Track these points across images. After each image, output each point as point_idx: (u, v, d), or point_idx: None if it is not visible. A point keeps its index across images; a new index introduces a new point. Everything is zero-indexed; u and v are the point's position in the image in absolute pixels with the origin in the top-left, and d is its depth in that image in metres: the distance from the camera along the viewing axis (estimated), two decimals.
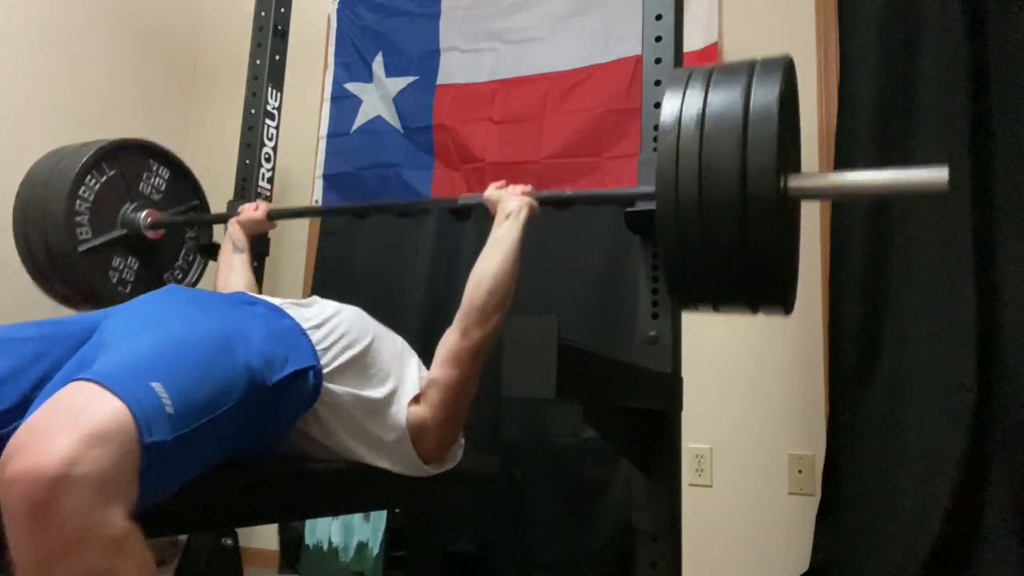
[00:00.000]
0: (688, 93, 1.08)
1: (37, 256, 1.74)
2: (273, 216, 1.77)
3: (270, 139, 2.13)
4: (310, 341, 1.07)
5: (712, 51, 2.22)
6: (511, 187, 1.46)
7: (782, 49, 2.33)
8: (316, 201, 2.72)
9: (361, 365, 1.14)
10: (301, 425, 1.08)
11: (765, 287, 1.05)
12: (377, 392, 1.13)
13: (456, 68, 2.56)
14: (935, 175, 1.04)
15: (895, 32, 1.94)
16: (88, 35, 2.66)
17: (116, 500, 0.64)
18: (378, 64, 2.69)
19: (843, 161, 1.97)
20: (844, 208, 1.96)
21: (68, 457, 0.61)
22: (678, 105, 1.07)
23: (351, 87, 2.75)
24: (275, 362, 0.95)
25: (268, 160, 2.12)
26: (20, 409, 0.86)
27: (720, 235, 1.00)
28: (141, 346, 0.82)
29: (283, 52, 2.18)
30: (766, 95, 1.02)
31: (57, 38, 2.56)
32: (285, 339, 1.03)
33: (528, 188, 1.46)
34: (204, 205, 2.05)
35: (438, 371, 1.18)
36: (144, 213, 1.85)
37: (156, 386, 0.73)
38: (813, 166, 2.07)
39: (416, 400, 1.18)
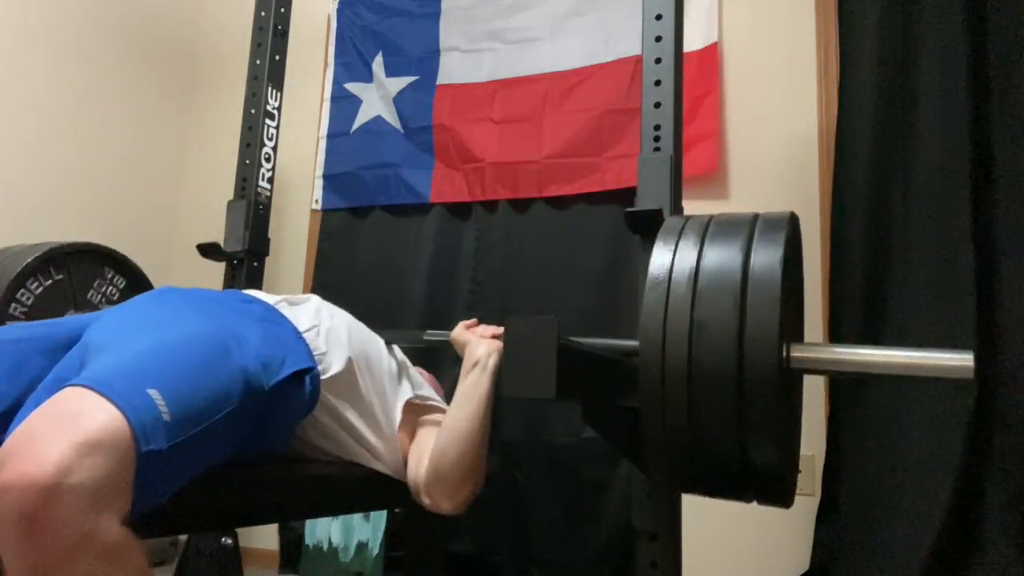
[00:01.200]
0: (681, 245, 0.96)
1: None
2: None
3: (270, 139, 2.13)
4: (307, 345, 1.06)
5: (712, 51, 2.22)
6: (481, 328, 1.34)
7: (781, 47, 2.33)
8: (316, 201, 2.72)
9: (354, 372, 1.13)
10: (300, 432, 1.08)
11: (765, 478, 0.91)
12: (370, 398, 1.13)
13: (456, 68, 2.56)
14: (959, 361, 0.89)
15: (895, 31, 1.94)
16: (88, 34, 2.66)
17: (110, 508, 0.63)
18: (378, 64, 2.69)
19: (843, 161, 1.97)
20: (845, 207, 1.96)
21: (62, 465, 0.60)
22: (668, 259, 0.95)
23: (351, 87, 2.75)
24: (272, 365, 0.94)
25: (268, 160, 2.12)
26: (8, 415, 0.84)
27: (712, 408, 0.86)
28: (137, 350, 0.80)
29: (283, 52, 2.18)
30: (769, 255, 0.89)
31: (57, 38, 2.56)
32: (282, 342, 1.02)
33: (500, 331, 1.31)
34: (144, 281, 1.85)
35: (423, 488, 1.13)
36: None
37: (153, 393, 0.71)
38: (813, 166, 2.07)
39: (405, 426, 1.17)
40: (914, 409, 1.78)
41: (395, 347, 1.30)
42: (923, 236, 1.85)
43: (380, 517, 2.35)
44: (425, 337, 1.47)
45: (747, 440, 0.86)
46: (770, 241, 0.91)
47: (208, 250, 2.03)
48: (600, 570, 2.07)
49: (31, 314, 1.57)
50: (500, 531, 2.19)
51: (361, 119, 2.71)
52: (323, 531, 2.41)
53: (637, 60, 2.17)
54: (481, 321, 1.37)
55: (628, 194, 2.13)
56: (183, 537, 1.91)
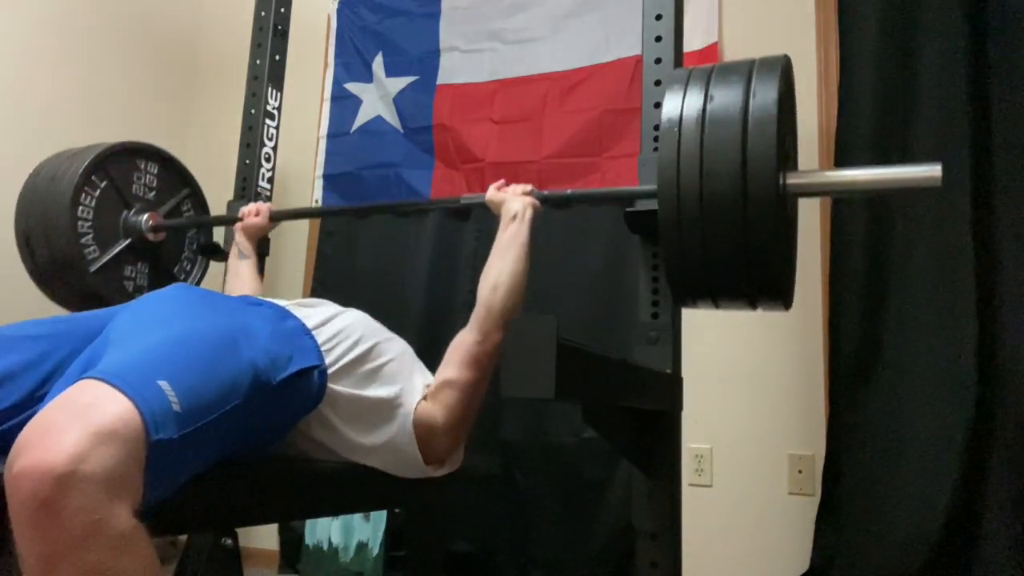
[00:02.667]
0: (688, 93, 1.10)
1: (50, 279, 1.77)
2: (275, 217, 1.79)
3: (270, 139, 2.13)
4: (315, 341, 1.08)
5: (712, 51, 2.22)
6: (512, 187, 1.46)
7: (782, 49, 2.34)
8: (316, 201, 2.72)
9: (366, 366, 1.14)
10: (304, 427, 1.08)
11: (764, 282, 1.08)
12: (381, 392, 1.13)
13: (456, 68, 2.56)
14: (928, 171, 1.08)
15: (895, 32, 1.94)
16: (89, 35, 2.66)
17: (122, 497, 0.65)
18: (378, 64, 2.69)
19: (843, 160, 1.97)
20: (845, 207, 1.96)
21: (75, 454, 0.62)
22: (679, 105, 1.09)
23: (351, 87, 2.75)
24: (280, 361, 0.95)
25: (268, 160, 2.12)
26: (29, 403, 0.87)
27: (720, 232, 1.03)
28: (148, 344, 0.82)
29: (283, 52, 2.18)
30: (765, 95, 1.04)
31: (57, 37, 2.56)
32: (290, 338, 1.04)
33: (529, 188, 1.46)
34: (196, 191, 2.05)
35: (455, 372, 1.19)
36: (144, 217, 1.86)
37: (163, 384, 0.73)
38: (813, 164, 2.07)
39: (422, 404, 1.17)
40: (914, 409, 1.78)
41: (410, 348, 1.30)
42: (923, 232, 1.85)
43: (380, 517, 2.34)
44: (462, 200, 1.60)
45: (750, 252, 1.02)
46: (766, 82, 1.06)
47: (208, 250, 2.03)
48: (600, 570, 2.07)
49: (96, 225, 1.76)
50: (500, 531, 2.19)
51: (361, 119, 2.71)
52: (323, 531, 2.40)
53: (637, 60, 2.17)
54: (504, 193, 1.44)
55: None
56: (183, 537, 1.91)
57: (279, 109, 2.16)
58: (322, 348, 1.08)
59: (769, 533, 1.97)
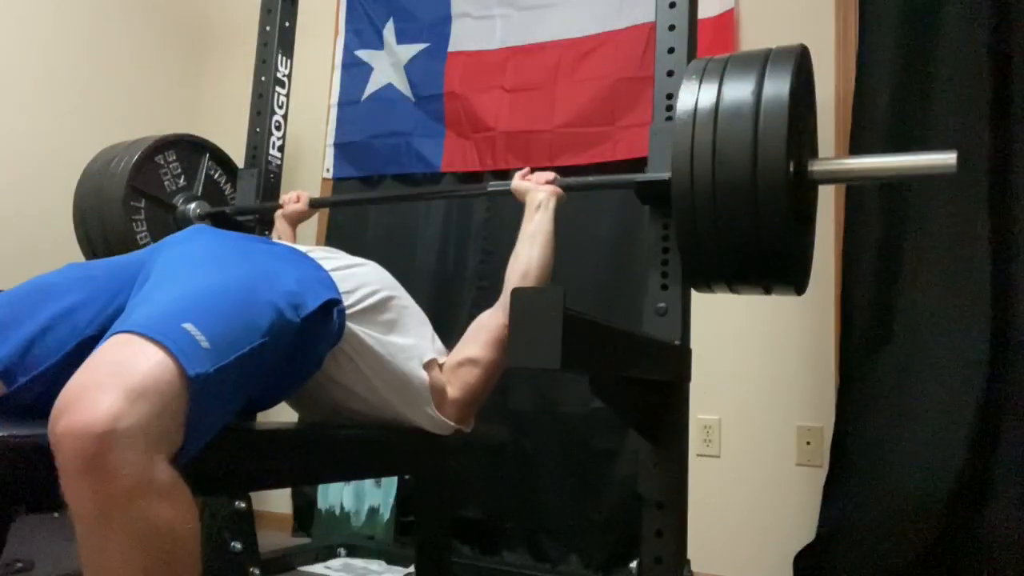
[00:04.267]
0: (703, 85, 1.13)
1: None
2: (314, 204, 1.85)
3: (280, 107, 2.12)
4: (332, 280, 1.10)
5: (728, 18, 2.18)
6: (536, 175, 1.51)
7: (799, 16, 2.28)
8: (327, 170, 2.71)
9: (383, 312, 1.16)
10: (328, 368, 1.10)
11: (777, 269, 1.10)
12: (399, 339, 1.15)
13: (467, 35, 2.53)
14: (944, 159, 1.11)
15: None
16: (97, 2, 2.64)
17: (161, 450, 0.67)
18: (389, 31, 2.66)
19: (860, 131, 1.93)
20: (859, 185, 1.93)
21: (113, 413, 0.64)
22: (693, 97, 1.12)
23: (362, 54, 2.72)
24: (301, 299, 0.98)
25: (279, 128, 2.11)
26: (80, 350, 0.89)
27: (732, 219, 1.06)
28: (171, 295, 0.85)
29: (293, 18, 2.16)
30: (778, 87, 1.06)
31: (64, 6, 2.54)
32: (309, 279, 1.06)
33: (552, 176, 1.51)
34: (214, 150, 2.13)
35: (479, 352, 1.21)
36: (192, 206, 1.98)
37: (188, 326, 0.76)
38: (829, 134, 2.03)
39: (435, 371, 1.18)
40: (925, 383, 1.78)
41: (414, 303, 1.31)
42: (939, 209, 1.82)
43: (391, 483, 2.38)
44: (489, 188, 1.69)
45: (762, 239, 1.05)
46: (780, 72, 1.08)
47: (219, 218, 2.03)
48: (607, 538, 2.10)
49: (148, 222, 1.92)
50: (509, 499, 2.22)
51: (372, 87, 2.69)
52: (335, 496, 2.45)
53: (651, 27, 2.12)
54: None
55: (641, 164, 2.10)
56: (198, 499, 1.95)
57: (289, 77, 2.14)
58: (341, 291, 1.09)
59: (776, 504, 1.98)
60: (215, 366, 0.75)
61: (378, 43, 2.69)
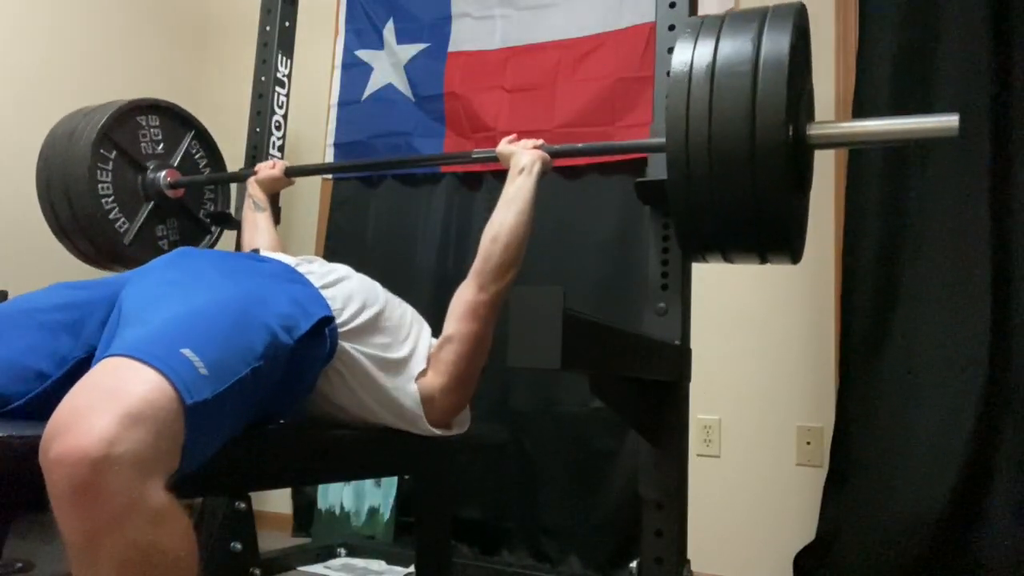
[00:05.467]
0: (700, 41, 1.08)
1: (88, 254, 1.84)
2: (290, 173, 1.80)
3: (280, 107, 2.12)
4: (325, 300, 1.09)
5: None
6: (523, 141, 1.47)
7: None
8: None
9: (374, 327, 1.15)
10: (321, 386, 1.10)
11: (773, 234, 1.06)
12: (390, 354, 1.15)
13: (467, 35, 2.53)
14: (946, 121, 1.08)
15: None
16: (98, 3, 2.64)
17: (156, 475, 0.66)
18: (389, 31, 2.66)
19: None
20: (860, 178, 1.93)
21: (108, 438, 0.63)
22: (689, 54, 1.07)
23: (362, 54, 2.72)
24: (293, 321, 0.97)
25: (279, 128, 2.11)
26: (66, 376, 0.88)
27: (730, 181, 1.01)
28: (166, 317, 0.83)
29: (293, 18, 2.16)
30: (777, 43, 1.02)
31: (66, 5, 2.54)
32: (303, 297, 1.05)
33: (540, 142, 1.47)
34: (200, 130, 2.07)
35: (455, 326, 1.19)
36: (162, 175, 1.89)
37: (187, 352, 0.75)
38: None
39: (425, 370, 1.18)
40: (924, 383, 1.78)
41: (416, 312, 1.31)
42: (939, 205, 1.82)
43: (391, 483, 2.38)
44: (473, 156, 1.63)
45: (760, 202, 1.01)
46: (778, 30, 1.03)
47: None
48: (606, 538, 2.09)
49: (117, 198, 1.81)
50: (509, 499, 2.22)
51: (372, 87, 2.68)
52: (335, 496, 2.45)
53: (651, 27, 2.13)
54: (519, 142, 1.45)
55: (641, 164, 2.11)
56: (198, 500, 1.95)
57: (289, 77, 2.14)
58: (332, 308, 1.09)
59: (776, 504, 1.98)
60: (213, 393, 0.74)
61: (378, 43, 2.69)
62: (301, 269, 1.15)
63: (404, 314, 1.26)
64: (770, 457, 2.00)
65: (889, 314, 1.86)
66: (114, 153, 1.81)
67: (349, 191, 2.68)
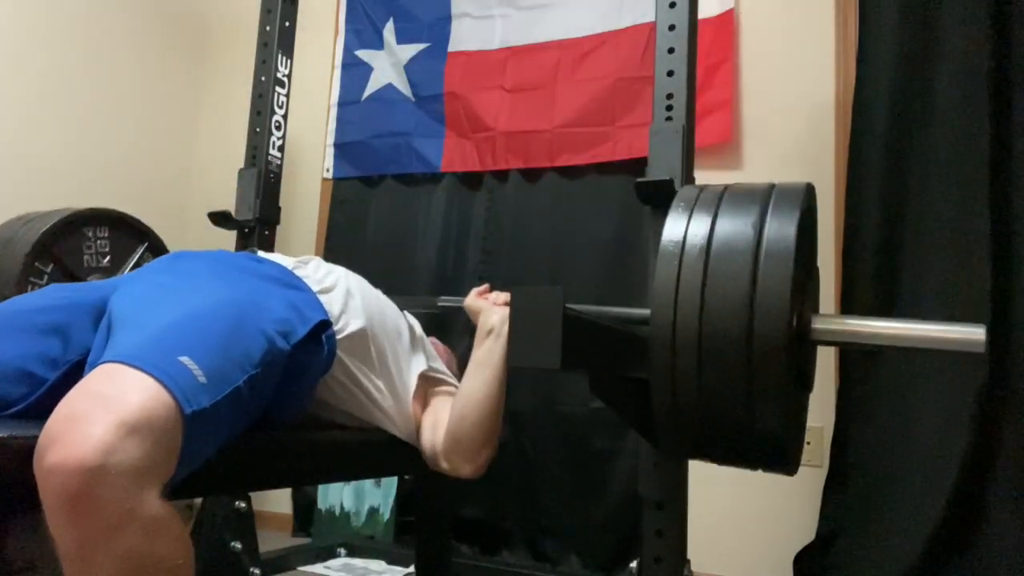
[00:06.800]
0: (695, 217, 0.96)
1: None
2: None
3: (280, 107, 2.11)
4: (322, 305, 1.09)
5: (728, 17, 2.18)
6: (493, 295, 1.35)
7: (799, 14, 2.28)
8: (327, 169, 2.71)
9: (372, 334, 1.15)
10: (321, 393, 1.10)
11: (772, 450, 0.93)
12: (389, 361, 1.15)
13: (467, 35, 2.53)
14: (972, 334, 0.92)
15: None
16: (97, 3, 2.64)
17: (152, 484, 0.65)
18: (389, 31, 2.66)
19: (860, 131, 1.93)
20: (859, 178, 1.93)
21: (104, 448, 0.62)
22: (682, 229, 0.95)
23: (362, 54, 2.72)
24: (291, 326, 0.97)
25: (279, 128, 2.11)
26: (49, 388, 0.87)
27: (721, 379, 0.88)
28: (162, 323, 0.82)
29: (293, 18, 2.16)
30: (783, 225, 0.89)
31: (66, 5, 2.54)
32: (300, 301, 1.05)
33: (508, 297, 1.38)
34: (155, 242, 1.97)
35: (442, 454, 1.14)
36: None
37: (185, 360, 0.73)
38: (828, 136, 2.04)
39: (418, 395, 1.19)
40: (924, 383, 1.78)
41: (409, 314, 1.31)
42: (939, 206, 1.82)
43: (391, 483, 2.38)
44: (439, 303, 1.49)
45: (756, 410, 0.87)
46: (784, 213, 0.91)
47: (219, 218, 2.03)
48: (606, 538, 2.09)
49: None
50: (509, 498, 2.22)
51: (372, 87, 2.68)
52: (335, 496, 2.45)
53: (651, 27, 2.12)
54: (492, 290, 1.38)
55: (641, 164, 2.09)
56: (198, 500, 1.95)
57: (289, 77, 2.14)
58: (330, 313, 1.08)
59: (776, 504, 1.98)
60: (211, 401, 0.73)
61: (378, 43, 2.69)
62: (298, 272, 1.14)
63: (399, 323, 1.25)
64: None
65: (889, 314, 1.86)
66: (51, 267, 1.70)
67: (349, 191, 2.68)
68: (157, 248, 1.96)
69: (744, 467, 1.03)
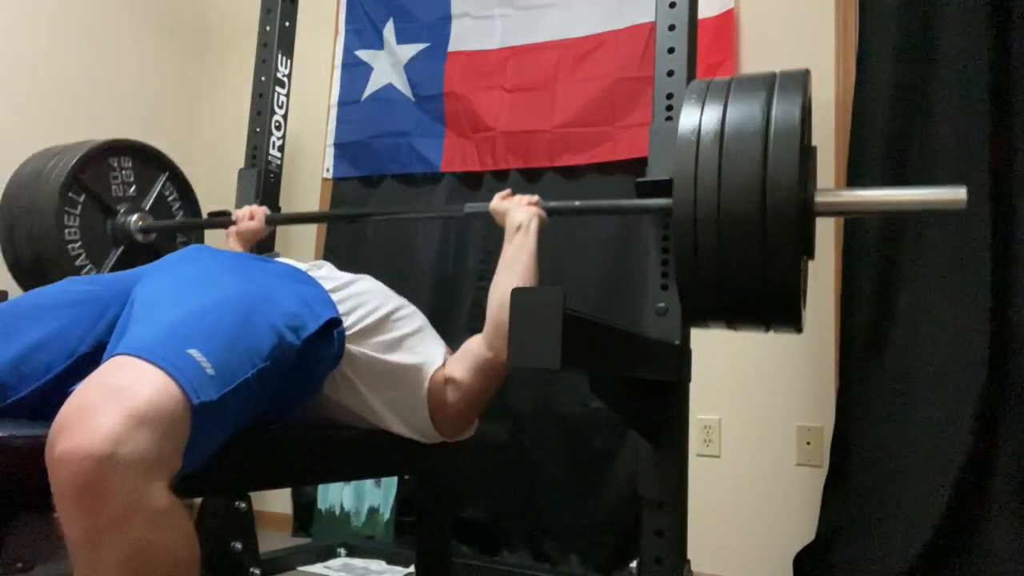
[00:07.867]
0: (707, 106, 1.06)
1: (36, 280, 1.72)
2: (271, 221, 1.73)
3: (280, 107, 2.11)
4: (334, 302, 1.10)
5: (729, 17, 2.17)
6: (517, 197, 1.42)
7: (799, 14, 2.28)
8: (327, 169, 2.71)
9: (383, 331, 1.15)
10: (327, 389, 1.10)
11: (781, 305, 1.04)
12: (397, 358, 1.15)
13: (467, 35, 2.53)
14: (952, 194, 1.09)
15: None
16: (97, 3, 2.64)
17: (160, 476, 0.66)
18: (389, 30, 2.66)
19: (860, 131, 1.93)
20: (860, 176, 1.93)
21: (114, 438, 0.63)
22: (696, 118, 1.05)
23: (362, 54, 2.72)
24: (301, 322, 0.98)
25: (279, 128, 2.11)
26: (76, 371, 0.88)
27: (738, 253, 0.99)
28: (174, 316, 0.83)
29: (293, 18, 2.16)
30: (788, 108, 1.00)
31: (65, 5, 2.54)
32: (311, 297, 1.06)
33: (535, 198, 1.41)
34: (175, 172, 1.99)
35: (461, 374, 1.16)
36: (134, 218, 1.81)
37: (193, 352, 0.75)
38: (828, 137, 2.03)
39: (437, 377, 1.18)
40: (925, 382, 1.78)
41: (418, 311, 1.30)
42: None
43: (391, 483, 2.38)
44: (466, 210, 1.54)
45: (769, 274, 0.99)
46: (789, 97, 1.02)
47: (219, 218, 2.03)
48: (607, 538, 2.09)
49: (85, 243, 1.74)
50: (509, 498, 2.22)
51: (372, 87, 2.68)
52: (335, 496, 2.45)
53: (651, 27, 2.12)
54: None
55: (641, 164, 2.10)
56: (198, 500, 1.95)
57: (289, 77, 2.14)
58: (340, 310, 1.09)
59: (776, 504, 1.98)
60: (219, 393, 0.75)
61: (378, 43, 2.69)
62: (312, 273, 1.16)
63: (414, 320, 1.24)
64: (770, 457, 2.00)
65: (889, 314, 1.86)
66: (83, 196, 1.74)
67: (349, 191, 2.68)
68: (177, 177, 2.00)
69: (757, 328, 1.14)
